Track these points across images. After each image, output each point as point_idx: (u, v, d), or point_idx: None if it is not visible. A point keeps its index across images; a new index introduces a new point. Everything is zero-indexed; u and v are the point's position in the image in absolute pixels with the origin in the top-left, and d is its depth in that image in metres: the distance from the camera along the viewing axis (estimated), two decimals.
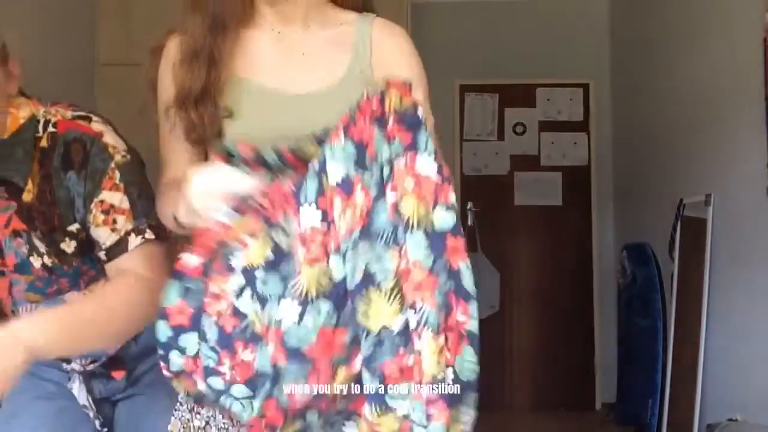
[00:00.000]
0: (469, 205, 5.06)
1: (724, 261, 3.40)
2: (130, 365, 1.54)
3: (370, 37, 1.35)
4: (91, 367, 1.51)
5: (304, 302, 1.03)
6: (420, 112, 1.07)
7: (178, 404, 1.32)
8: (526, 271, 5.15)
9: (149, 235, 1.34)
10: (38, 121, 1.35)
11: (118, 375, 1.54)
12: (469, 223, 5.07)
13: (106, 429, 1.55)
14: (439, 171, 1.03)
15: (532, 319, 5.11)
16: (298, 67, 1.34)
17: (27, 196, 1.34)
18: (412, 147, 1.03)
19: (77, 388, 1.51)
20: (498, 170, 5.17)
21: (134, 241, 1.33)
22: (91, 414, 1.52)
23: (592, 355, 5.06)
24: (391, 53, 1.35)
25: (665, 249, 3.93)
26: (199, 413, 1.29)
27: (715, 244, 3.45)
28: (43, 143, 1.34)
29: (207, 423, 1.28)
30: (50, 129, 1.35)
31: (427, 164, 1.03)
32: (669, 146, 4.11)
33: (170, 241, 1.39)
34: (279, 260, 1.08)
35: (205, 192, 1.14)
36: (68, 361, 1.49)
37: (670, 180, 4.09)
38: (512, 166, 5.17)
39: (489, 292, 4.97)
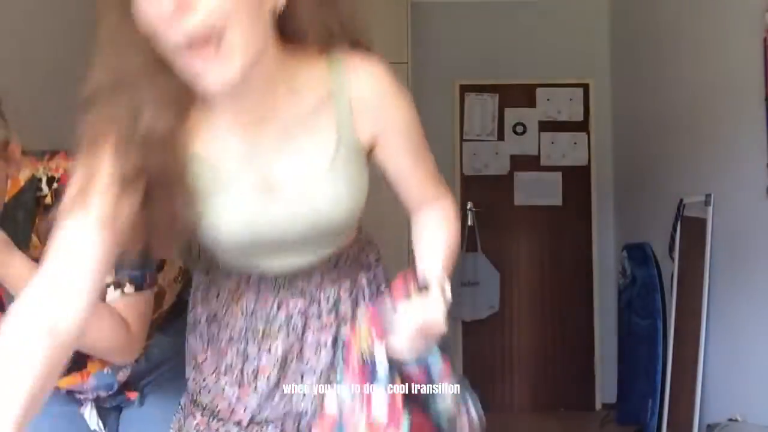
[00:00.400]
0: (469, 205, 5.07)
1: (724, 261, 3.40)
2: (140, 383, 1.55)
3: (349, 94, 1.13)
4: (104, 395, 1.51)
5: None
6: (379, 364, 1.04)
7: (179, 408, 1.33)
8: (526, 271, 5.15)
9: (128, 289, 1.32)
10: (40, 180, 1.34)
11: (133, 395, 1.55)
12: (469, 223, 5.07)
13: None
14: (391, 407, 1.06)
15: (532, 319, 5.11)
16: (275, 150, 1.12)
17: (34, 253, 1.32)
18: (368, 391, 1.07)
19: (88, 413, 1.51)
20: (498, 170, 5.17)
21: (112, 294, 1.31)
22: None
23: (592, 355, 5.06)
24: (374, 107, 1.15)
25: (665, 249, 3.93)
26: (194, 415, 1.29)
27: (715, 244, 3.45)
28: (48, 200, 1.34)
29: (204, 426, 1.28)
30: (54, 186, 1.34)
31: (379, 403, 1.06)
32: (669, 146, 4.11)
33: (155, 288, 1.38)
34: None
35: None
36: (81, 392, 1.49)
37: (670, 180, 4.09)
38: (512, 166, 5.17)
39: (489, 292, 4.97)
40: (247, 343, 1.25)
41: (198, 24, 0.93)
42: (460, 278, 4.95)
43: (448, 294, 1.07)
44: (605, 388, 4.90)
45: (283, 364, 1.25)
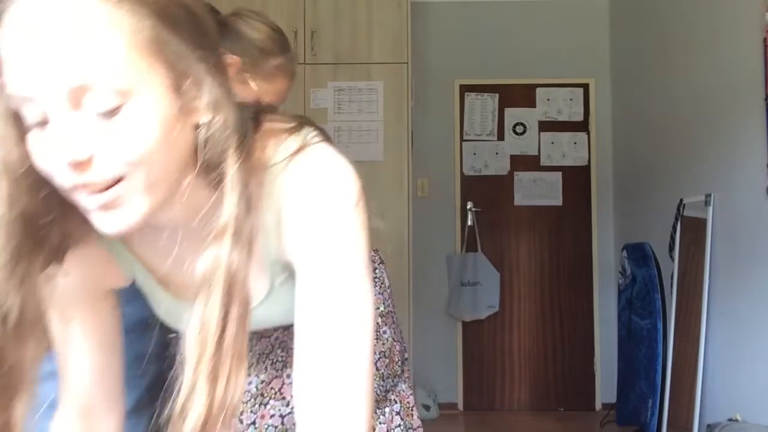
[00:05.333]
0: (469, 205, 5.07)
1: (724, 261, 3.40)
2: None
3: (280, 216, 0.87)
4: None
5: None
6: None
7: None
8: (526, 271, 5.15)
9: None
10: None
11: None
12: (469, 223, 5.07)
13: None
14: None
15: (532, 319, 5.11)
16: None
17: None
18: None
19: None
20: (498, 170, 5.17)
21: None
22: None
23: (592, 354, 5.06)
24: (306, 234, 0.86)
25: (665, 249, 3.93)
26: None
27: (715, 244, 3.45)
28: None
29: None
30: None
31: None
32: (669, 146, 4.11)
33: None
34: None
35: None
36: None
37: (670, 180, 4.09)
38: (512, 166, 5.17)
39: (489, 292, 4.97)
40: None
41: (94, 181, 0.76)
42: (460, 278, 4.95)
43: None
44: (605, 388, 4.90)
45: (260, 401, 1.10)
